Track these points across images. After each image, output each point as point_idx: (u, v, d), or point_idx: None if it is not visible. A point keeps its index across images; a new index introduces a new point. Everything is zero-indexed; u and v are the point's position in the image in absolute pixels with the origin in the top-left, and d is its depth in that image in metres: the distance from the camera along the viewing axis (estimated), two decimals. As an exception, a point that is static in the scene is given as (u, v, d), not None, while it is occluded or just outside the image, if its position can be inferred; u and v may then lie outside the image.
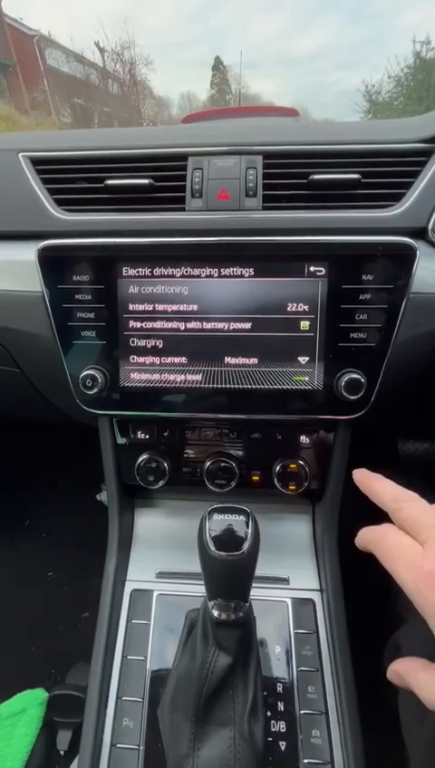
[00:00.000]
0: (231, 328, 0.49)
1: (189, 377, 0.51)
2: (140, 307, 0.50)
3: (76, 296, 0.50)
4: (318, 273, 0.47)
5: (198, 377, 0.51)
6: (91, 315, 0.50)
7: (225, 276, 0.48)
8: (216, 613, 0.40)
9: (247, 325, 0.49)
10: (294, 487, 0.57)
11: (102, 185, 0.50)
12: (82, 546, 1.12)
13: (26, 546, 1.20)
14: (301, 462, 0.57)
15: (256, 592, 0.48)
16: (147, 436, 0.59)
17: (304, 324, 0.49)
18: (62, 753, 0.60)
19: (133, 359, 0.51)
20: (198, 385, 0.51)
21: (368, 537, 0.37)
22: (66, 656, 0.92)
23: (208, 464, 0.58)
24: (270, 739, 0.46)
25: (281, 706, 0.48)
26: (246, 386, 0.51)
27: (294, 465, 0.57)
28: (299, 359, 0.49)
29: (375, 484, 0.40)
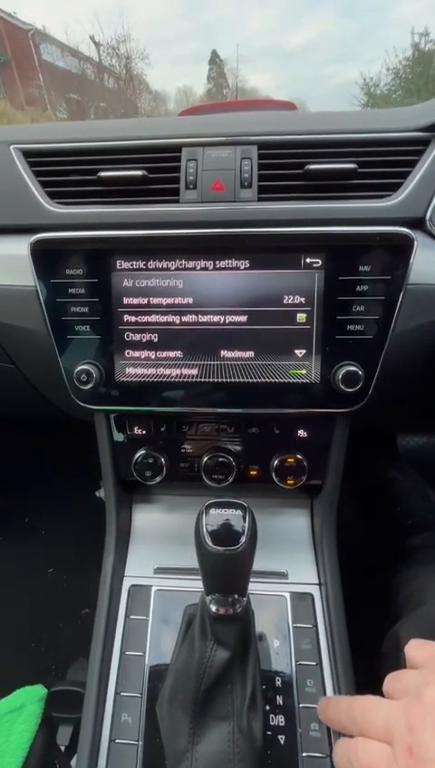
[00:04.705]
0: (227, 321, 0.49)
1: (185, 371, 0.51)
2: (135, 301, 0.49)
3: (70, 290, 0.49)
4: (314, 265, 0.47)
5: (194, 371, 0.50)
6: (85, 309, 0.50)
7: (220, 269, 0.48)
8: (213, 608, 0.39)
9: (243, 318, 0.48)
10: (292, 482, 0.57)
11: (95, 177, 0.49)
12: (83, 543, 1.12)
13: (27, 543, 1.20)
14: (299, 456, 0.57)
15: (255, 587, 0.48)
16: (143, 432, 0.59)
17: (301, 317, 0.48)
18: (62, 748, 0.60)
19: (128, 353, 0.51)
20: (194, 379, 0.51)
21: (341, 758, 0.36)
22: (66, 652, 0.92)
23: (206, 459, 0.58)
24: (269, 733, 0.46)
25: (280, 700, 0.48)
26: (242, 380, 0.50)
27: (291, 460, 0.57)
28: (296, 351, 0.49)
29: (331, 714, 0.41)
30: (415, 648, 0.37)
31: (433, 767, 0.28)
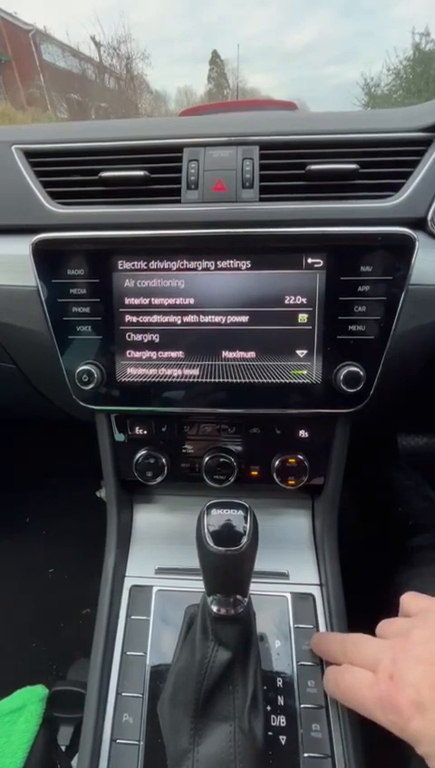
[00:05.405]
0: (228, 321, 0.49)
1: (187, 371, 0.51)
2: (136, 301, 0.49)
3: (71, 290, 0.49)
4: (316, 265, 0.47)
5: (196, 371, 0.50)
6: (87, 310, 0.50)
7: (221, 269, 0.48)
8: (214, 608, 0.39)
9: (244, 318, 0.48)
10: (293, 482, 0.57)
11: (97, 177, 0.49)
12: (83, 543, 1.12)
13: (27, 543, 1.20)
14: (300, 457, 0.57)
15: (256, 587, 0.48)
16: (145, 432, 0.59)
17: (302, 317, 0.48)
18: (63, 748, 0.60)
19: (130, 353, 0.51)
20: (195, 379, 0.51)
21: (330, 680, 0.42)
22: (67, 652, 0.92)
23: (207, 459, 0.58)
24: (270, 733, 0.46)
25: (281, 701, 0.48)
26: (243, 380, 0.50)
27: (293, 460, 0.57)
28: (297, 352, 0.49)
29: (325, 646, 0.46)
30: (410, 600, 0.41)
31: (410, 691, 0.31)
